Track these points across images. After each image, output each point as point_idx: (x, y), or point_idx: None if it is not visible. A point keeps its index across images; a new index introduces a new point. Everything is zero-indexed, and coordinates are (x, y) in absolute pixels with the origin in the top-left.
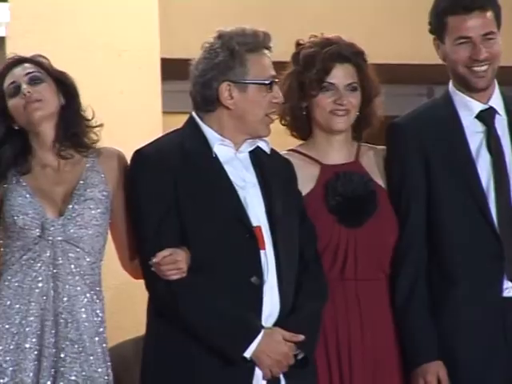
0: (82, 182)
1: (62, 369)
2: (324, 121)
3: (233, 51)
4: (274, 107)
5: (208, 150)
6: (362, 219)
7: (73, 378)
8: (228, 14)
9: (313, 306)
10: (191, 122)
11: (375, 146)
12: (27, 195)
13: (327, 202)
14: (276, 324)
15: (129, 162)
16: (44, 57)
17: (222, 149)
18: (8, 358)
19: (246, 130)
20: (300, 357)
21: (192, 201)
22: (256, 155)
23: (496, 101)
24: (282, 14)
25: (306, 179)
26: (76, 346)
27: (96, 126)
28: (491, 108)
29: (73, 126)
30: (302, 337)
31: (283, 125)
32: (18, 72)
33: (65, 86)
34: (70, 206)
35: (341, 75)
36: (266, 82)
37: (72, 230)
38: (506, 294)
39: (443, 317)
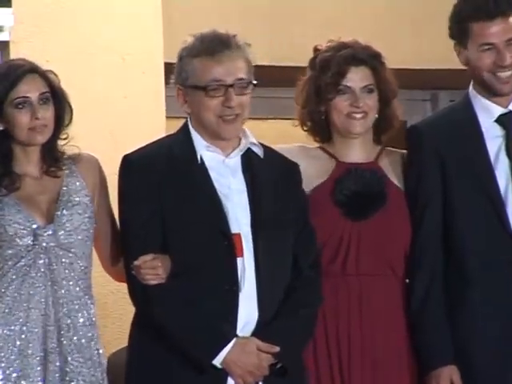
0: (64, 188)
1: (70, 374)
2: (341, 124)
3: (180, 56)
4: (228, 110)
5: (195, 155)
6: (367, 213)
7: (81, 382)
8: (232, 18)
9: (301, 312)
10: (184, 127)
11: (399, 150)
12: (15, 205)
13: (334, 195)
14: (254, 333)
15: None
16: (54, 73)
17: (208, 155)
18: (11, 365)
19: (208, 133)
20: (278, 366)
21: (175, 206)
22: (249, 160)
23: None
24: (285, 19)
25: (321, 172)
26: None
27: (65, 139)
28: (510, 111)
29: (56, 150)
30: (277, 348)
31: (305, 131)
32: (32, 87)
33: (61, 109)
34: (59, 213)
35: (356, 78)
36: (201, 86)
37: (63, 237)
38: None
39: (459, 320)
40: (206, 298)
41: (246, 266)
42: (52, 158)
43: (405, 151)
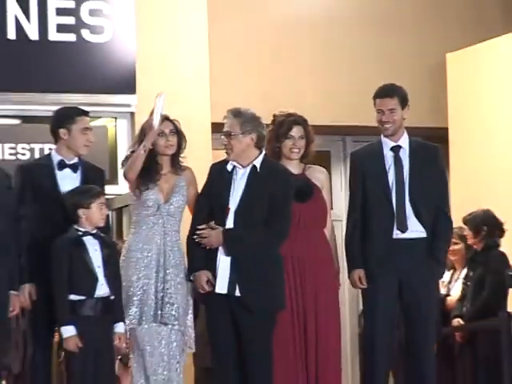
0: (177, 183)
1: (167, 296)
2: (287, 154)
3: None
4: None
5: (225, 167)
6: (304, 199)
7: (174, 278)
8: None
9: (258, 230)
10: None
11: (314, 165)
12: (153, 189)
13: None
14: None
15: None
16: (177, 121)
17: (231, 167)
18: (142, 272)
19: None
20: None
21: (211, 194)
22: (253, 170)
23: (402, 141)
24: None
25: None
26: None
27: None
28: (398, 145)
29: (177, 161)
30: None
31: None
32: (166, 126)
33: (180, 139)
34: (172, 196)
35: (296, 131)
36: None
37: (172, 209)
38: (394, 236)
39: (365, 246)
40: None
41: (229, 220)
42: (175, 164)
43: (317, 166)
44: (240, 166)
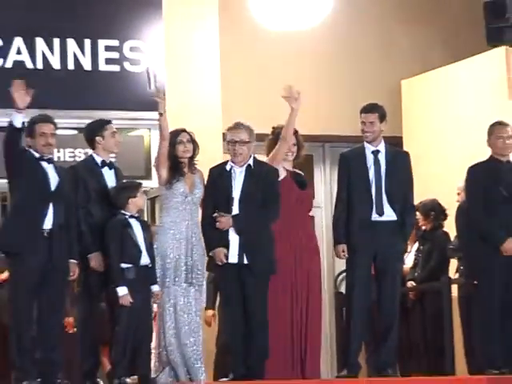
0: (195, 180)
1: (194, 264)
2: (284, 157)
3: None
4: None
5: (224, 168)
6: (303, 187)
7: (200, 267)
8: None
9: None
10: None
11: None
12: (180, 182)
13: (295, 180)
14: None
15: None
16: (192, 132)
17: (230, 166)
18: (174, 247)
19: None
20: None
21: (216, 189)
22: (248, 168)
23: (380, 147)
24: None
25: (281, 174)
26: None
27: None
28: (377, 150)
29: (193, 163)
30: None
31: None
32: (183, 137)
33: (195, 146)
34: (195, 188)
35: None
36: None
37: (195, 199)
38: (373, 219)
39: (349, 226)
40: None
41: (235, 206)
42: (192, 165)
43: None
44: (237, 166)
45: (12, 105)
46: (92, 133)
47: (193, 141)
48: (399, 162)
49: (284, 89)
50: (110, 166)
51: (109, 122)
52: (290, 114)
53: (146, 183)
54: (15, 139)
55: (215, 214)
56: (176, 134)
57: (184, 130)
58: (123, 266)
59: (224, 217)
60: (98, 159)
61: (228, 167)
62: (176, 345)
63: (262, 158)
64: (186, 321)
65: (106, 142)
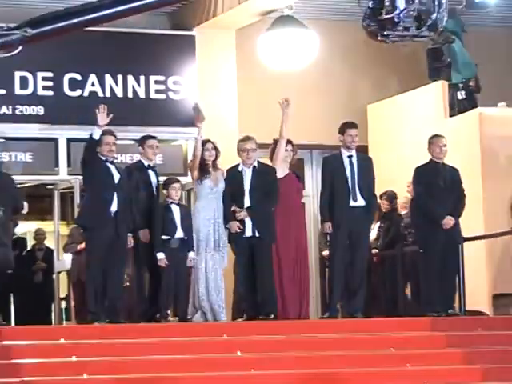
0: (218, 177)
1: (220, 237)
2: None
3: None
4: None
5: (237, 169)
6: (300, 181)
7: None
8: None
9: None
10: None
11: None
12: (209, 178)
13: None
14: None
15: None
16: (215, 141)
17: (241, 168)
18: (205, 229)
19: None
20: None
21: (232, 184)
22: (254, 169)
23: (353, 152)
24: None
25: (284, 172)
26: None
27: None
28: (351, 155)
29: (216, 163)
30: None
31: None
32: (209, 146)
33: (217, 152)
34: (219, 184)
35: (288, 149)
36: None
37: (219, 191)
38: (350, 204)
39: (332, 210)
40: (234, 201)
41: (246, 199)
42: (215, 166)
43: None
44: (246, 167)
45: (93, 122)
46: (139, 143)
47: (215, 148)
48: (366, 164)
49: (280, 100)
50: (152, 168)
51: (151, 137)
52: (283, 116)
53: (183, 179)
54: (93, 147)
55: (233, 208)
56: (203, 143)
57: (209, 141)
58: (163, 237)
59: (242, 211)
60: (145, 163)
61: (240, 168)
62: (206, 295)
63: (265, 161)
64: (212, 278)
65: (145, 152)
